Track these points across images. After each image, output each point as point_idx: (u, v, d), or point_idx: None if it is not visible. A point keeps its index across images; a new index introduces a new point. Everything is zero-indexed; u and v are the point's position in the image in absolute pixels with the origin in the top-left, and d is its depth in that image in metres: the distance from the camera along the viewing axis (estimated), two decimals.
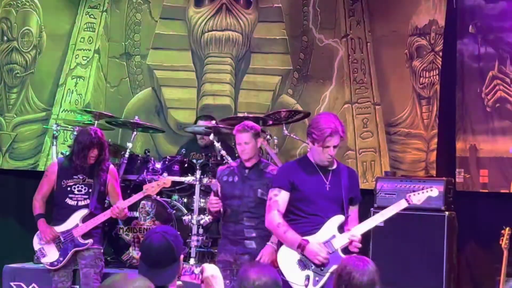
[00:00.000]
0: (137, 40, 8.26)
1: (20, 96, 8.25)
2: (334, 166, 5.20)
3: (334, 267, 4.77)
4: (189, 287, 5.73)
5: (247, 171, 5.87)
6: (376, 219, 5.21)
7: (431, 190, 5.23)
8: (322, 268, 4.99)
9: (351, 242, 5.05)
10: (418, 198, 5.19)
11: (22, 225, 7.72)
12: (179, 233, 3.80)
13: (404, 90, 7.78)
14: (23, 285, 6.72)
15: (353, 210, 5.23)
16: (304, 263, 5.02)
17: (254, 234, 5.75)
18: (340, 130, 5.04)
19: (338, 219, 5.09)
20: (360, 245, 5.06)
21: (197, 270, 3.58)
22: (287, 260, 5.06)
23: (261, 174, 5.84)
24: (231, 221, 5.85)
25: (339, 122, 5.10)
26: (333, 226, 5.06)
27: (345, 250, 5.06)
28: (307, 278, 5.00)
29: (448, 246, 6.62)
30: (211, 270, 3.70)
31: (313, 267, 5.01)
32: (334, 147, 5.06)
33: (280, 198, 5.14)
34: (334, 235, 5.05)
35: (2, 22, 8.27)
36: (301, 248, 4.99)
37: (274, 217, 5.12)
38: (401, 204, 5.18)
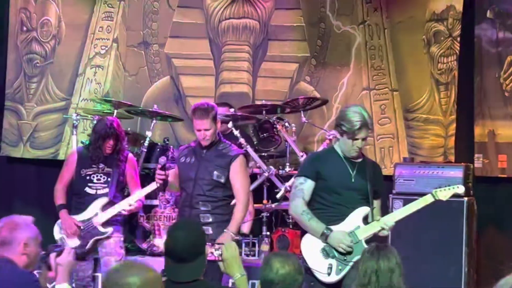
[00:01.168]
0: (155, 28, 8.28)
1: (40, 85, 8.29)
2: (360, 159, 5.23)
3: (357, 257, 4.81)
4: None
5: (204, 151, 5.64)
6: (402, 213, 5.22)
7: (458, 187, 5.24)
8: (346, 258, 5.02)
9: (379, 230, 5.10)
10: (444, 194, 5.20)
11: (43, 214, 7.76)
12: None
13: (422, 76, 7.78)
14: None
15: (377, 203, 5.25)
16: (327, 251, 5.05)
17: (210, 220, 5.57)
18: (369, 123, 5.08)
19: (364, 210, 5.12)
20: (387, 233, 5.13)
21: (216, 253, 3.63)
22: (311, 248, 5.09)
23: (219, 155, 5.63)
24: (186, 206, 5.64)
25: (368, 114, 5.13)
26: (358, 217, 5.10)
27: (369, 241, 5.09)
28: (330, 266, 5.03)
29: (467, 232, 6.63)
30: (232, 251, 3.73)
31: (337, 256, 5.04)
32: (363, 139, 5.10)
33: (305, 187, 5.14)
34: (358, 225, 5.09)
35: (21, 12, 8.30)
36: (324, 236, 5.02)
37: (299, 205, 5.12)
38: (427, 199, 5.20)
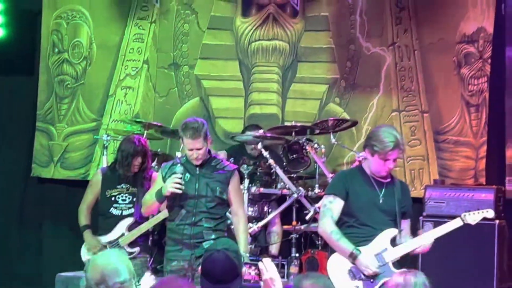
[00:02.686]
0: (185, 50, 8.33)
1: (71, 106, 8.37)
2: (389, 179, 5.20)
3: (384, 279, 4.80)
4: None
5: (197, 168, 5.47)
6: (432, 235, 5.19)
7: (487, 212, 5.22)
8: (372, 280, 5.00)
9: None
10: (473, 218, 5.19)
11: (73, 234, 7.80)
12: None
13: (452, 97, 7.74)
14: None
15: (405, 224, 5.23)
16: (354, 273, 5.03)
17: (213, 236, 5.39)
18: (401, 144, 5.06)
19: (391, 232, 5.09)
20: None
21: (253, 272, 3.66)
22: (338, 269, 5.07)
23: (215, 170, 5.50)
24: (187, 224, 5.44)
25: (400, 135, 5.12)
26: (386, 239, 5.07)
27: (396, 263, 5.07)
28: None
29: (499, 255, 6.56)
30: (270, 272, 3.73)
31: (364, 277, 5.01)
32: (394, 160, 5.08)
33: (334, 205, 5.14)
34: (386, 248, 5.06)
35: (53, 34, 8.41)
36: (353, 256, 5.00)
37: (328, 224, 5.11)
38: (456, 223, 5.18)
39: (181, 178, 5.38)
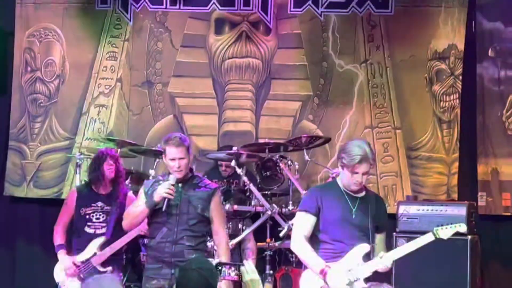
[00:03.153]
0: (159, 68, 8.34)
1: (44, 125, 8.34)
2: (363, 193, 5.21)
3: None
4: None
5: (180, 185, 5.44)
6: (403, 250, 5.20)
7: (460, 226, 5.23)
8: None
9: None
10: (445, 232, 5.16)
11: (47, 253, 7.77)
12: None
13: (424, 114, 7.81)
14: None
15: (380, 238, 5.23)
16: None
17: (193, 256, 5.25)
18: (370, 158, 5.07)
19: (364, 248, 5.09)
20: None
21: (233, 273, 3.67)
22: (310, 285, 5.08)
23: (197, 188, 5.49)
24: (168, 241, 5.40)
25: (370, 149, 5.12)
26: (358, 255, 5.08)
27: (368, 279, 5.08)
28: None
29: (471, 270, 6.61)
30: (250, 274, 3.73)
31: None
32: (363, 173, 5.09)
33: (306, 222, 5.14)
34: (357, 264, 5.06)
35: (26, 52, 8.38)
36: (323, 274, 5.01)
37: (299, 241, 5.13)
38: (428, 238, 5.18)
39: (173, 185, 5.35)
